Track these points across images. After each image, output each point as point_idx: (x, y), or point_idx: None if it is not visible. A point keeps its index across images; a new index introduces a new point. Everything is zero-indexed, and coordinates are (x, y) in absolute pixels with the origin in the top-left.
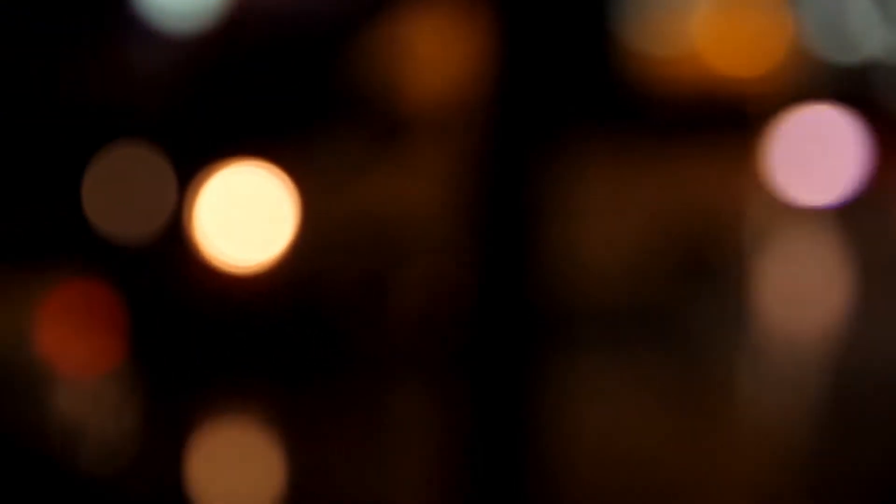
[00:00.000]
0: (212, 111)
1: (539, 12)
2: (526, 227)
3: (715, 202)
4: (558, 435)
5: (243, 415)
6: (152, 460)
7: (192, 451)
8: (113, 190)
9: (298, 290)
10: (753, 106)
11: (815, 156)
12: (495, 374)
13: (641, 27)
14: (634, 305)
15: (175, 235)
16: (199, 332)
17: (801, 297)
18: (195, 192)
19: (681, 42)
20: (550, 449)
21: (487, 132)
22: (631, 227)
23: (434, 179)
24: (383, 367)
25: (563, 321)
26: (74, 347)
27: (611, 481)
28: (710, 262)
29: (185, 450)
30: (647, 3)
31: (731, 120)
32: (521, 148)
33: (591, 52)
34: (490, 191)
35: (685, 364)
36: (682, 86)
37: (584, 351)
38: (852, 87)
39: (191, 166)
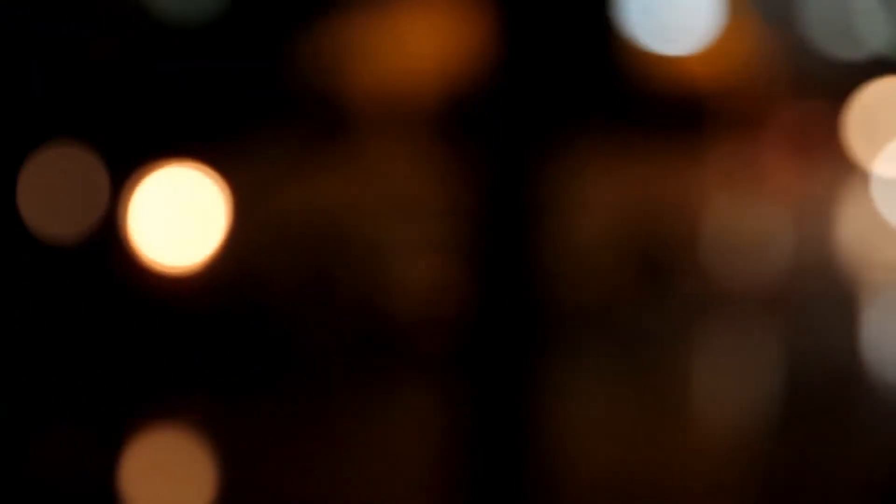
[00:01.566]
0: (146, 113)
1: (538, 9)
2: (525, 226)
3: (676, 202)
4: (556, 433)
5: (176, 423)
6: (78, 473)
7: (127, 462)
8: (46, 189)
9: (235, 290)
10: (727, 109)
11: None
12: (495, 374)
13: (642, 26)
14: (601, 305)
15: (108, 236)
16: (134, 332)
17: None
18: (128, 194)
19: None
20: (548, 447)
21: (484, 129)
22: (600, 227)
23: (382, 177)
24: (382, 367)
25: (556, 320)
26: None
27: (606, 480)
28: (669, 261)
29: (120, 460)
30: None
31: (704, 122)
32: (519, 146)
33: (586, 49)
34: (489, 189)
35: (651, 363)
36: (674, 85)
37: (573, 349)
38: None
39: (124, 167)
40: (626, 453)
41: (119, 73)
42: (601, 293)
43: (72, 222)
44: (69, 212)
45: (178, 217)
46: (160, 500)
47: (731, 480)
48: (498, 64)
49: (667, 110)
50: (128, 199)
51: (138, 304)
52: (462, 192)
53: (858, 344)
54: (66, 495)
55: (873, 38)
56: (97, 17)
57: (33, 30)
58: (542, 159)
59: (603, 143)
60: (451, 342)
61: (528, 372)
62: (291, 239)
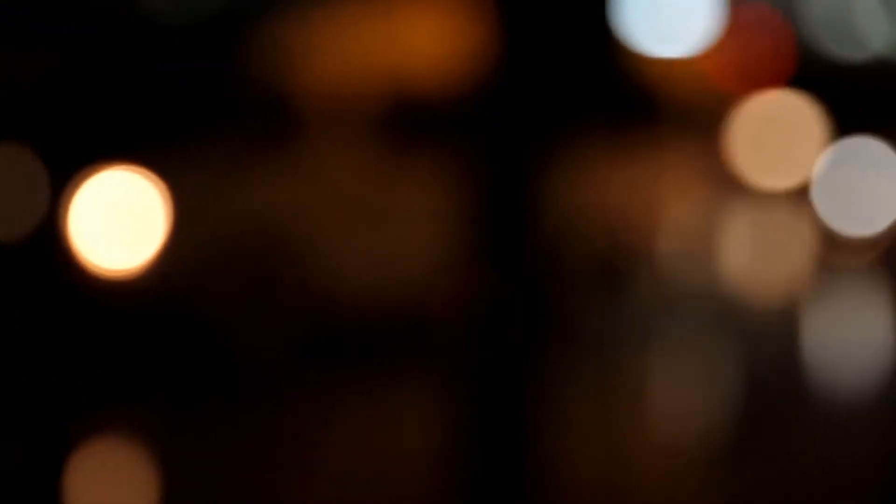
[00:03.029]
0: (87, 115)
1: (538, 9)
2: (526, 226)
3: (633, 206)
4: (555, 432)
5: (118, 430)
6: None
7: (66, 469)
8: None
9: (177, 294)
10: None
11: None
12: (495, 374)
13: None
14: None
15: (48, 239)
16: (73, 336)
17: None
18: (69, 197)
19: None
20: (548, 447)
21: (483, 130)
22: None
23: (333, 180)
24: (383, 366)
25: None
26: None
27: (586, 481)
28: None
29: (59, 467)
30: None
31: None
32: (519, 145)
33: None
34: (490, 190)
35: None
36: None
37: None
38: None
39: (65, 170)
40: (594, 455)
41: (58, 74)
42: (574, 296)
43: (11, 225)
44: (9, 214)
45: (119, 220)
46: None
47: (696, 482)
48: (471, 62)
49: (659, 111)
50: (68, 202)
51: (78, 307)
52: (463, 192)
53: (805, 347)
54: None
55: (874, 39)
56: (37, 20)
57: None
58: (542, 158)
59: (587, 145)
60: (452, 342)
61: (520, 372)
62: (235, 243)
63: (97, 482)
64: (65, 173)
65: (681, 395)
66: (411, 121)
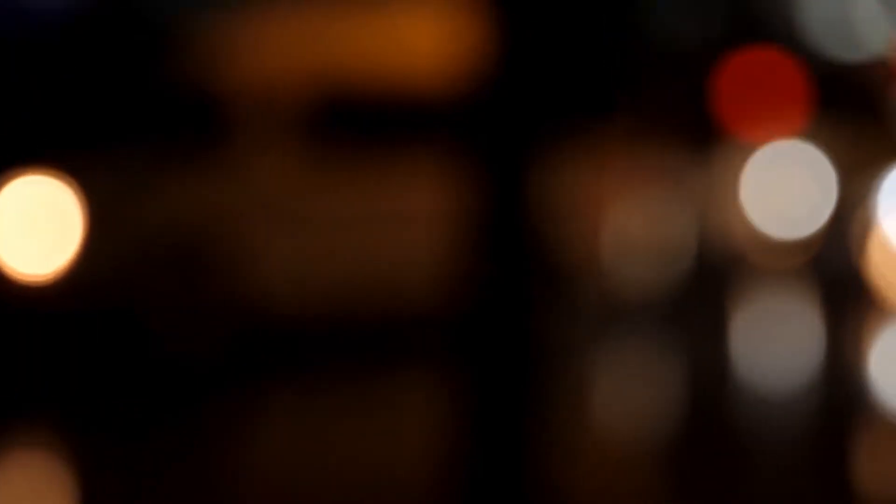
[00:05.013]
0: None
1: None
2: (526, 224)
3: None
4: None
5: (37, 438)
6: None
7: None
8: None
9: (95, 298)
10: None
11: None
12: (494, 371)
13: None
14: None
15: None
16: None
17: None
18: None
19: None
20: (546, 445)
21: (481, 128)
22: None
23: (256, 183)
24: (383, 363)
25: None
26: None
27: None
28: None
29: None
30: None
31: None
32: (517, 144)
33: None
34: (491, 189)
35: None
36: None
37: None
38: None
39: None
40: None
41: None
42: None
43: None
44: None
45: (35, 226)
46: None
47: (638, 484)
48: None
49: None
50: None
51: None
52: (463, 190)
53: (737, 351)
54: None
55: (874, 40)
56: None
57: None
58: (539, 155)
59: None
60: (450, 339)
61: (529, 371)
62: (156, 246)
63: (15, 488)
64: None
65: (627, 398)
66: (345, 121)
